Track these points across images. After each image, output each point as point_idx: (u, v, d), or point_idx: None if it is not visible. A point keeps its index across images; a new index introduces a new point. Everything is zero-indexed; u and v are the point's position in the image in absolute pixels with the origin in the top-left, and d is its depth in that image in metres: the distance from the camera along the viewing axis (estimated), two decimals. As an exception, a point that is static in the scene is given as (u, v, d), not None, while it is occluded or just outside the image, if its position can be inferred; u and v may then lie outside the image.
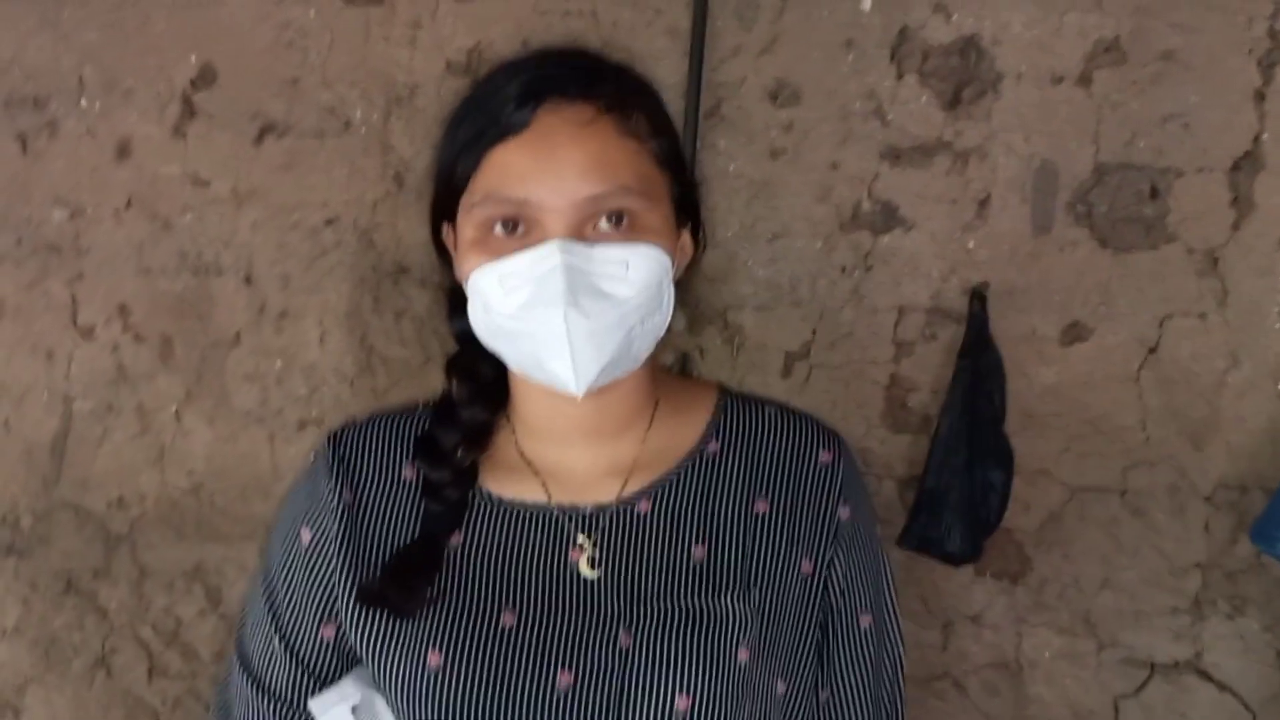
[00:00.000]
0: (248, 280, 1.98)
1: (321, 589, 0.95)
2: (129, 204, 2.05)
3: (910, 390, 1.68)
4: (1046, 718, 1.64)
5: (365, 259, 1.91)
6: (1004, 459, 1.60)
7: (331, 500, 0.96)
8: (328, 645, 0.95)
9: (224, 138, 1.99)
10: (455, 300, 0.97)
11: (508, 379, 0.99)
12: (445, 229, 0.96)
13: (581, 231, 0.86)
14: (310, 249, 1.95)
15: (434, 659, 0.88)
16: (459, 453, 0.96)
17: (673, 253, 0.91)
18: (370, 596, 0.92)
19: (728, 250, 1.75)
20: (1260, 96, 1.56)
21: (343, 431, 1.01)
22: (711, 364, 1.76)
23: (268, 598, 0.98)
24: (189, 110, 2.01)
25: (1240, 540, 1.56)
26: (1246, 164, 1.55)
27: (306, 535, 0.97)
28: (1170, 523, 1.58)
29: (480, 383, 0.98)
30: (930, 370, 1.67)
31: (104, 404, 2.08)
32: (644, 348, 0.91)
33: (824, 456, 0.99)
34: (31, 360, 2.15)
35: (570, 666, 0.88)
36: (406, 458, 0.98)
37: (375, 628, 0.91)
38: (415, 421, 1.01)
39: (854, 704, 0.99)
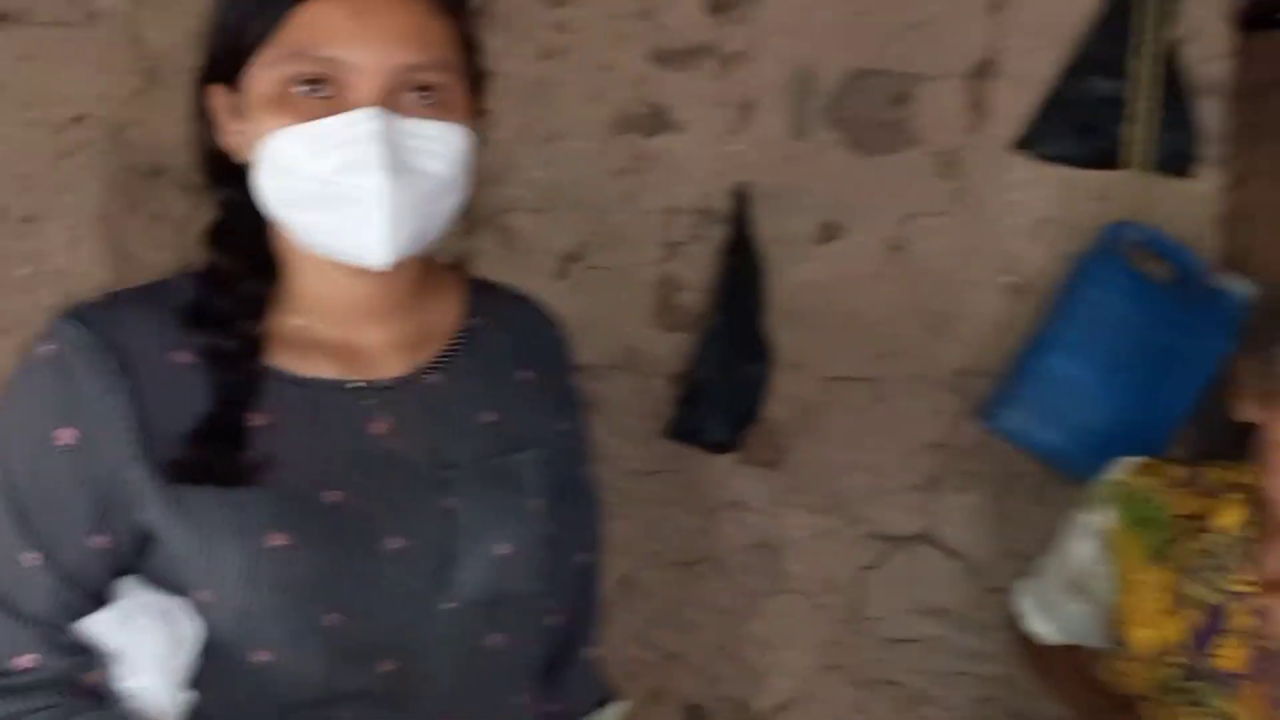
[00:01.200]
0: (-15, 180, 1.84)
1: (94, 493, 0.87)
2: None
3: (679, 289, 1.75)
4: (801, 590, 1.78)
5: (117, 159, 1.81)
6: (764, 353, 1.70)
7: (100, 392, 0.86)
8: (100, 555, 0.88)
9: (-49, 24, 1.83)
10: (218, 167, 0.94)
11: (276, 252, 0.95)
12: (215, 91, 0.91)
13: (392, 101, 0.85)
14: (55, 147, 1.82)
15: (274, 538, 0.87)
16: (241, 321, 0.92)
17: (472, 136, 0.92)
18: (188, 471, 0.86)
19: (503, 153, 1.75)
20: (996, 7, 1.68)
21: (87, 311, 0.90)
22: (488, 266, 1.76)
23: (13, 509, 0.88)
24: (-93, -7, 1.84)
25: (970, 420, 1.72)
26: (982, 71, 1.68)
27: (68, 435, 0.86)
28: (911, 407, 1.72)
29: (248, 253, 0.94)
30: (698, 270, 1.74)
31: None
32: (439, 226, 0.92)
33: (554, 331, 1.11)
34: None
35: (400, 531, 0.91)
36: (174, 340, 0.90)
37: (195, 515, 0.87)
38: (168, 298, 0.93)
39: (574, 540, 1.11)
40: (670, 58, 1.72)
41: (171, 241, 1.80)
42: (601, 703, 1.15)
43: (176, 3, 1.78)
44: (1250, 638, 1.18)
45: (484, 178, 1.73)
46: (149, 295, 0.94)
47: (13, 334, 1.88)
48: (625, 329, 1.75)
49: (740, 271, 1.69)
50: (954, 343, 1.71)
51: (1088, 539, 1.35)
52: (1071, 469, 1.58)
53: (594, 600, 1.15)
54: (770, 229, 1.70)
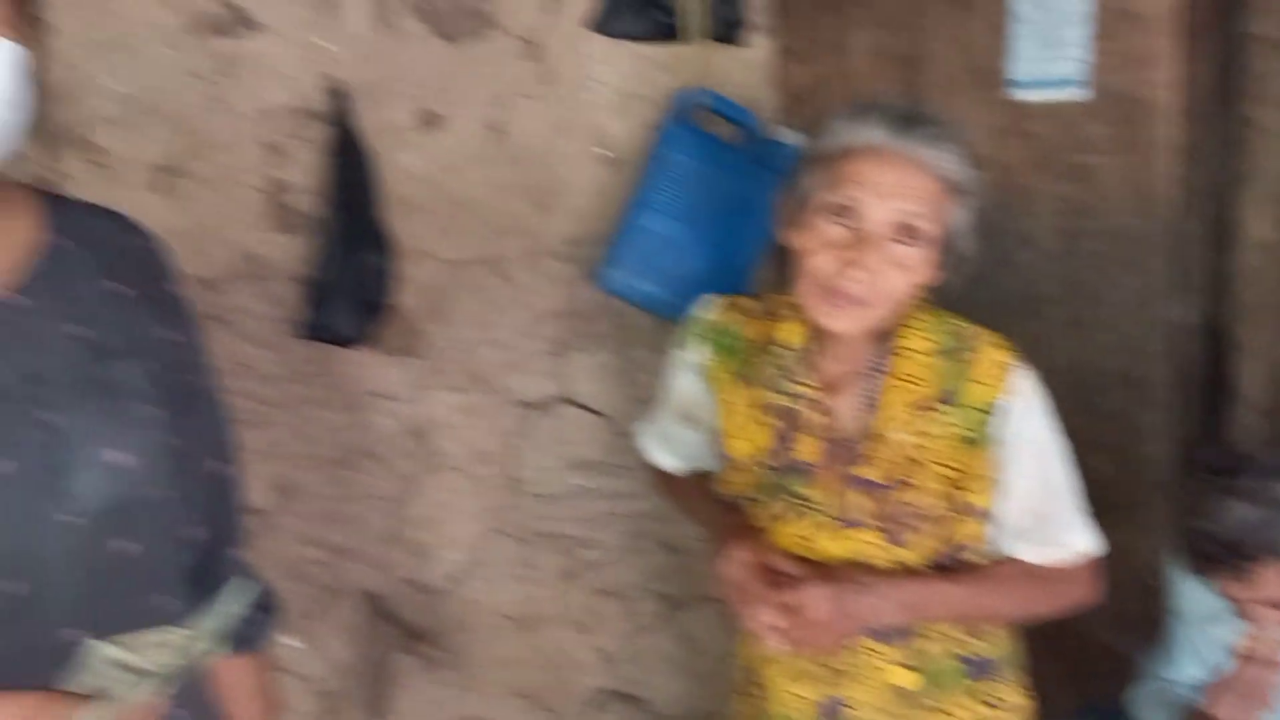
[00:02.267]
0: None
1: None
2: None
3: (288, 191, 1.75)
4: (456, 466, 1.88)
5: None
6: (383, 244, 1.75)
7: None
8: None
9: None
10: None
11: None
12: None
13: None
14: None
15: None
16: None
17: (28, 49, 0.89)
18: None
19: (70, 64, 1.65)
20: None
21: None
22: (77, 187, 1.68)
23: None
24: None
25: (586, 286, 1.86)
26: (553, -45, 1.77)
27: None
28: (530, 280, 1.84)
29: None
30: (305, 169, 1.74)
31: None
32: (7, 149, 0.89)
33: (140, 240, 1.09)
34: None
35: (10, 455, 0.90)
36: None
37: None
38: None
39: (201, 450, 1.11)
40: (242, -44, 1.68)
41: None
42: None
43: None
44: (819, 431, 1.37)
45: (56, 94, 1.66)
46: None
47: None
48: (238, 237, 1.73)
49: (348, 167, 1.71)
50: (561, 215, 1.83)
51: (687, 373, 1.50)
52: (673, 315, 1.74)
53: (233, 507, 1.17)
54: (371, 122, 1.73)
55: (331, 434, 1.81)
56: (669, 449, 1.59)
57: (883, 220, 1.28)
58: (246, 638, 1.14)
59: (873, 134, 1.29)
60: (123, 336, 1.01)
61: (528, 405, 1.88)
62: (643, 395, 1.90)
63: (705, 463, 1.56)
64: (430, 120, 1.76)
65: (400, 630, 1.91)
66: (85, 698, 0.83)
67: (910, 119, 1.30)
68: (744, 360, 1.45)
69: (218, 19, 1.68)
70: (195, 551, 1.11)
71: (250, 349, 1.72)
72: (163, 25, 1.66)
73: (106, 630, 0.85)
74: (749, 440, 1.43)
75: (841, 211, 1.29)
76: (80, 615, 0.95)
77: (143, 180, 1.69)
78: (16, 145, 0.91)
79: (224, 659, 1.10)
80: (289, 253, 1.76)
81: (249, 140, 1.71)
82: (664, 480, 1.63)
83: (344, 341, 1.72)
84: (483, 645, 1.93)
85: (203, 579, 1.11)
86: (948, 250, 1.33)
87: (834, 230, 1.29)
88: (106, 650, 0.82)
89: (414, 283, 1.80)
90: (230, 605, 0.86)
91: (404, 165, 1.76)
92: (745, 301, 1.50)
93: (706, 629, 1.97)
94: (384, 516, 1.87)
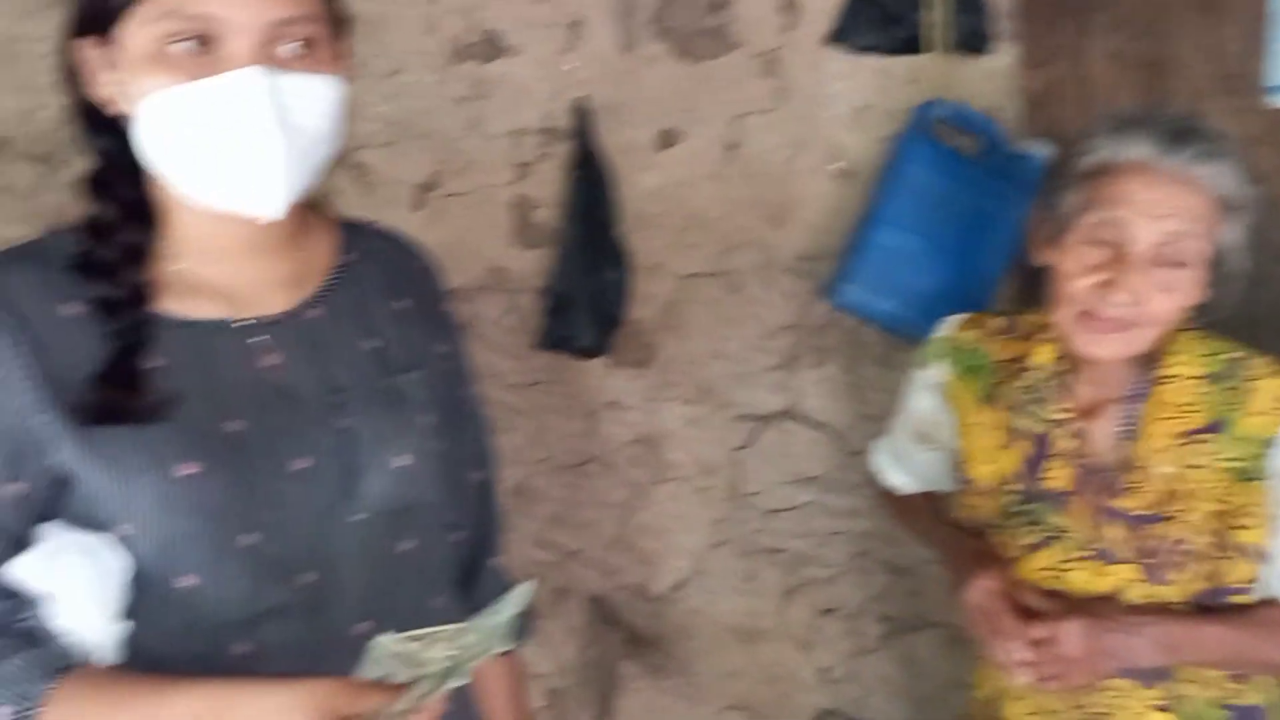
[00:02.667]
0: None
1: (5, 444, 0.90)
2: None
3: (534, 208, 1.83)
4: (683, 476, 1.91)
5: (-51, 135, 1.77)
6: (621, 259, 1.80)
7: (3, 344, 0.89)
8: (17, 504, 0.92)
9: None
10: (91, 118, 0.95)
11: (155, 199, 0.98)
12: (85, 44, 0.92)
13: (269, 54, 0.88)
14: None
15: (184, 469, 0.91)
16: (127, 268, 0.94)
17: (343, 86, 0.96)
18: (97, 412, 0.90)
19: (350, 92, 1.77)
20: (795, -86, 1.78)
21: None
22: (346, 204, 1.79)
23: None
24: None
25: (817, 300, 1.85)
26: (791, -29, 1.78)
27: None
28: (762, 294, 1.85)
29: (128, 202, 0.97)
30: (550, 187, 1.81)
31: None
32: (317, 176, 0.96)
33: (421, 262, 1.16)
34: None
35: (302, 454, 0.97)
36: (60, 295, 0.93)
37: (108, 452, 0.91)
38: (43, 254, 0.96)
39: (467, 458, 1.18)
40: (497, -16, 1.77)
41: (21, 213, 1.80)
42: None
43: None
44: (1072, 458, 1.31)
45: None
46: (27, 254, 0.97)
47: None
48: (487, 250, 1.82)
49: (589, 184, 1.77)
50: (794, 230, 1.83)
51: (927, 393, 1.47)
52: (909, 332, 1.72)
53: (494, 514, 1.23)
54: (612, 141, 1.78)
55: (566, 441, 1.87)
56: (903, 469, 1.57)
57: (1150, 242, 1.22)
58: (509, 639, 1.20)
59: (1139, 149, 1.24)
60: (406, 350, 1.07)
61: (755, 418, 1.89)
62: (871, 411, 1.88)
63: (940, 484, 1.53)
64: (668, 138, 1.80)
65: (624, 635, 1.96)
66: (376, 687, 0.87)
67: (1180, 133, 1.24)
68: (990, 381, 1.41)
69: (475, 46, 1.77)
70: (462, 554, 1.18)
71: (495, 357, 1.81)
72: (427, 53, 1.77)
73: (389, 626, 0.89)
74: (994, 464, 1.39)
75: (1105, 233, 1.23)
76: (367, 610, 1.02)
77: (405, 198, 1.80)
78: (325, 171, 0.99)
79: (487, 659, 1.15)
80: (533, 266, 1.83)
81: (500, 159, 1.80)
82: (894, 500, 1.61)
83: (582, 353, 1.78)
84: (704, 656, 1.95)
85: (467, 581, 1.18)
86: (1217, 269, 1.26)
87: (1097, 252, 1.24)
88: (395, 643, 0.87)
89: (649, 296, 1.84)
90: (509, 607, 0.90)
91: (642, 182, 1.81)
92: (990, 320, 1.46)
93: (930, 653, 1.92)
94: (613, 523, 1.93)
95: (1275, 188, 1.62)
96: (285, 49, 0.90)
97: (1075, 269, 1.25)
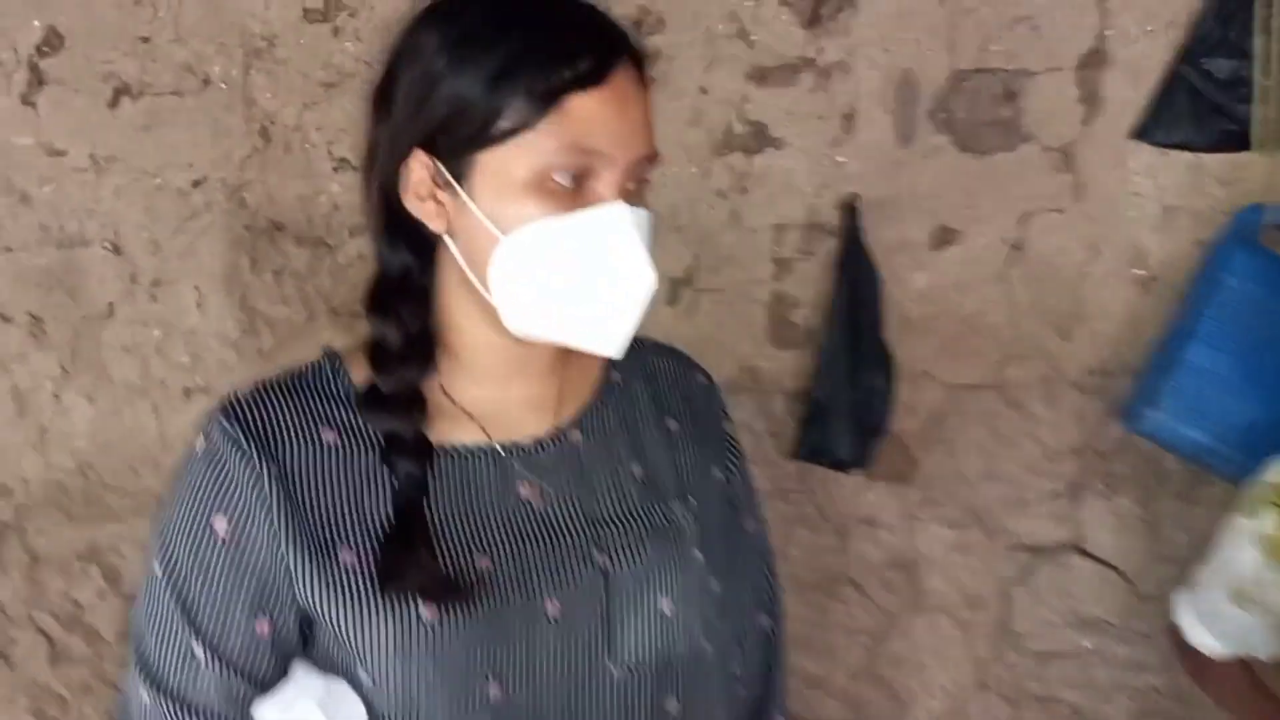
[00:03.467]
0: (116, 249, 1.91)
1: (253, 580, 0.89)
2: (-19, 179, 1.96)
3: (793, 306, 1.73)
4: (942, 608, 1.72)
5: (238, 218, 1.86)
6: (886, 365, 1.66)
7: (251, 480, 0.88)
8: (264, 643, 0.89)
9: (77, 103, 1.91)
10: (396, 229, 0.92)
11: (433, 319, 0.94)
12: (420, 155, 0.88)
13: (626, 191, 0.86)
14: (179, 212, 1.89)
15: (427, 612, 0.86)
16: (412, 401, 0.91)
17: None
18: (392, 578, 0.86)
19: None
20: (1102, -6, 1.63)
21: (235, 405, 0.92)
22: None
23: (179, 602, 0.89)
24: (37, 77, 1.92)
25: (1110, 422, 1.64)
26: (1092, 62, 1.62)
27: (222, 525, 0.89)
28: (1045, 411, 1.66)
29: (416, 327, 0.93)
30: (811, 285, 1.71)
31: (-25, 390, 2.00)
32: None
33: (701, 379, 1.07)
34: (-107, 352, 2.05)
35: (556, 595, 0.90)
36: (322, 422, 0.91)
37: (348, 592, 0.87)
38: (313, 382, 0.94)
39: (750, 600, 1.06)
40: (768, 75, 1.70)
41: (294, 295, 1.87)
42: None
43: (284, 66, 1.84)
44: None
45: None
46: (295, 383, 0.94)
47: (150, 395, 1.95)
48: (741, 349, 1.73)
49: (855, 283, 1.65)
50: (1085, 342, 1.64)
51: (1250, 546, 1.28)
52: (1221, 467, 1.50)
53: (781, 667, 1.10)
54: (883, 237, 1.66)
55: (814, 557, 1.73)
56: (1213, 629, 1.35)
57: None
58: None
59: None
60: (675, 477, 0.98)
61: (1031, 550, 1.69)
62: (1168, 552, 1.64)
63: (1259, 651, 1.30)
64: (945, 236, 1.67)
65: (867, 778, 1.78)
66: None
67: None
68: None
69: (742, 137, 1.70)
70: (740, 713, 1.05)
71: (742, 463, 1.71)
72: (693, 145, 1.72)
73: None
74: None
75: None
76: None
77: (661, 292, 1.73)
78: None
79: None
80: (789, 368, 1.72)
81: (759, 254, 1.71)
82: (1199, 662, 1.38)
83: (838, 465, 1.64)
84: (957, 812, 1.74)
85: None
86: None
87: None
88: None
89: (914, 406, 1.69)
90: None
91: (913, 282, 1.68)
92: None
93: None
94: (861, 651, 1.76)
95: None
96: (629, 185, 0.87)
97: None
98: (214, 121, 1.87)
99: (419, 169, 0.89)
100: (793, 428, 1.70)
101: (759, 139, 1.71)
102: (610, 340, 0.87)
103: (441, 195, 0.88)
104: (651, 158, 0.88)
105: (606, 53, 0.84)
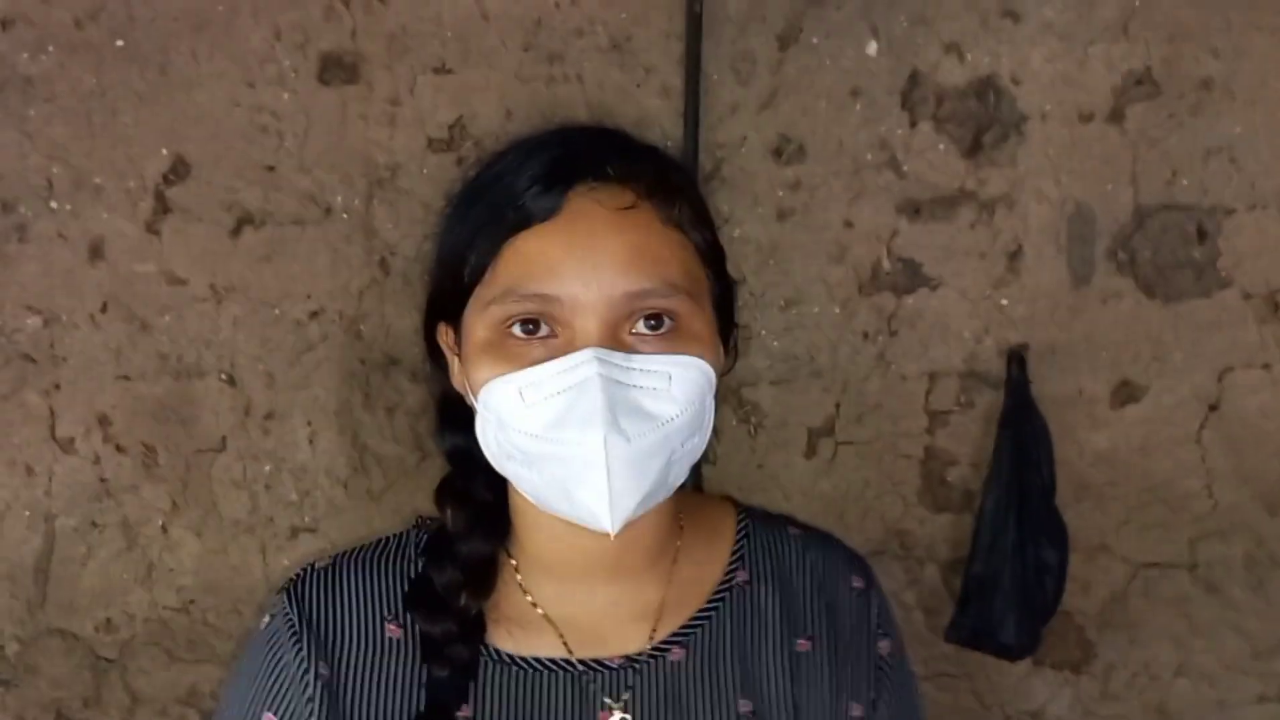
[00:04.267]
0: (231, 380, 1.86)
1: None
2: (104, 307, 1.94)
3: (949, 464, 1.55)
4: (1126, 823, 1.48)
5: (353, 351, 1.79)
6: (1058, 536, 1.46)
7: (300, 676, 0.81)
8: None
9: (199, 231, 1.89)
10: (448, 412, 0.84)
11: (509, 507, 0.85)
12: (442, 329, 0.83)
13: (617, 336, 0.74)
14: (295, 343, 1.83)
15: None
16: (463, 599, 0.81)
17: (716, 364, 0.79)
18: None
19: (748, 327, 1.62)
20: (1310, 122, 1.43)
21: (304, 584, 0.84)
22: (728, 446, 1.62)
23: None
24: (162, 205, 1.91)
25: (1331, 615, 1.41)
26: (1303, 196, 1.42)
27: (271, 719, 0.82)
28: (1250, 598, 1.43)
29: (478, 511, 0.84)
30: (969, 441, 1.53)
31: (87, 519, 1.95)
32: (681, 474, 0.78)
33: (856, 583, 0.89)
34: (10, 476, 2.03)
35: None
36: (388, 612, 0.82)
37: None
38: (392, 563, 0.85)
39: None
40: (922, 208, 1.55)
41: (406, 433, 1.78)
42: None
43: (406, 196, 1.77)
44: None
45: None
46: (376, 558, 0.86)
47: (257, 532, 1.87)
48: (888, 510, 1.55)
49: (1021, 441, 1.46)
50: (1297, 517, 1.42)
51: None
52: None
53: None
54: (1054, 391, 1.48)
55: (973, 753, 1.52)
56: None
57: None
58: None
59: None
60: (795, 715, 0.83)
61: (1232, 757, 1.45)
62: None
63: None
64: (1127, 392, 1.47)
65: None
66: None
67: None
68: None
69: (892, 276, 1.55)
70: None
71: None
72: (836, 283, 1.57)
73: None
74: None
75: None
76: None
77: (798, 443, 1.58)
78: (695, 461, 0.80)
79: None
80: (943, 534, 1.54)
81: (911, 405, 1.54)
82: None
83: (1004, 651, 1.44)
84: None
85: None
86: None
87: None
88: None
89: (1089, 585, 1.48)
90: None
91: (1089, 443, 1.48)
92: None
93: None
94: None
95: None
96: (638, 327, 0.74)
97: None
98: (333, 251, 1.81)
99: (445, 341, 0.83)
100: (947, 602, 1.50)
101: (911, 277, 1.55)
102: (591, 515, 0.74)
103: (459, 368, 0.81)
104: (659, 292, 0.75)
105: (561, 183, 0.75)
